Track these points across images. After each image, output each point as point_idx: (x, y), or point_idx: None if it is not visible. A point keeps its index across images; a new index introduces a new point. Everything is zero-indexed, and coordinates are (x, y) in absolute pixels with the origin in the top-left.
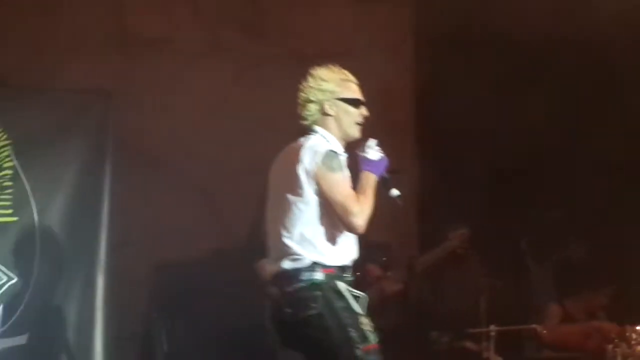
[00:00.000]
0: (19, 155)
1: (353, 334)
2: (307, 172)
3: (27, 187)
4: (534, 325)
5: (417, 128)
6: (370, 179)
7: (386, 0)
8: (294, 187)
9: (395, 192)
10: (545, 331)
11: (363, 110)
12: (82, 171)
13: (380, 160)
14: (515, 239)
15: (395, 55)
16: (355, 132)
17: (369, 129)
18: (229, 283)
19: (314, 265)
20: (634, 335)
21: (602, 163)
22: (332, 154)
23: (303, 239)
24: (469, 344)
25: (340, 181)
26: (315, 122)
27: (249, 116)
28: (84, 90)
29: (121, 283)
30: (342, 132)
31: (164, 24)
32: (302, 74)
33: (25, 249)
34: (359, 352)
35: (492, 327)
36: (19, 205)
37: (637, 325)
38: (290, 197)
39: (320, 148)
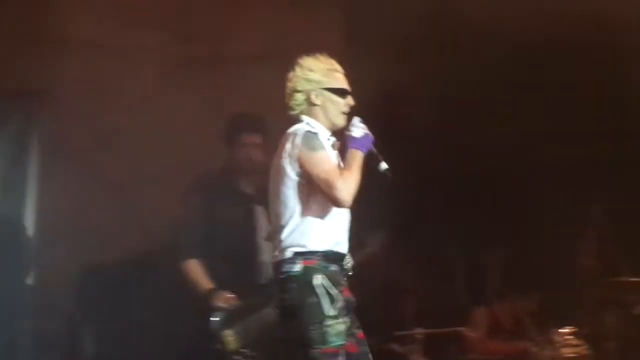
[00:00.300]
0: None
1: (313, 333)
2: (291, 158)
3: None
4: (460, 328)
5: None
6: (356, 156)
7: (318, 3)
8: (281, 178)
9: (384, 165)
10: (471, 334)
11: (349, 100)
12: (6, 172)
13: (365, 137)
14: (443, 242)
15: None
16: (341, 121)
17: None
18: (152, 283)
19: (295, 257)
20: (558, 338)
21: (533, 164)
22: (310, 134)
23: (290, 231)
24: (395, 347)
25: (321, 158)
26: (303, 112)
27: (173, 117)
28: (8, 91)
29: (45, 283)
30: (329, 121)
31: (88, 23)
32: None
33: None
34: (315, 354)
35: (419, 330)
36: None
37: (561, 328)
38: (279, 188)
39: (299, 132)
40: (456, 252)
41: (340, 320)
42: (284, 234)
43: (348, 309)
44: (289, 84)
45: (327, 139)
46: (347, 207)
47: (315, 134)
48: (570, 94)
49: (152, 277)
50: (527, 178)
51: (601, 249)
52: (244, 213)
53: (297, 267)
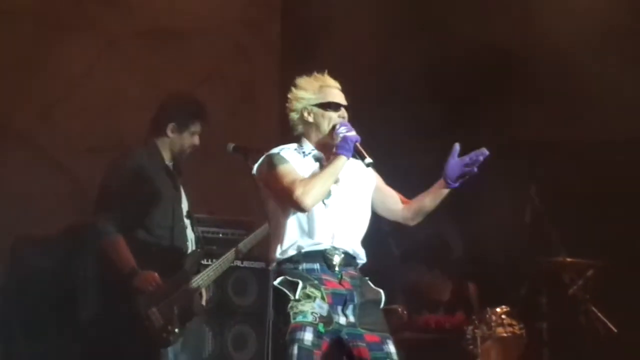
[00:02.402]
0: None
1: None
2: (261, 184)
3: None
4: (395, 306)
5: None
6: (336, 161)
7: None
8: (263, 203)
9: (367, 161)
10: (406, 312)
11: (342, 113)
12: None
13: (344, 140)
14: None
15: (261, 32)
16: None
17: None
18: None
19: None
20: (493, 317)
21: None
22: (269, 156)
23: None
24: None
25: (280, 173)
26: (301, 132)
27: (111, 91)
28: None
29: None
30: (322, 136)
31: None
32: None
33: None
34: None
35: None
36: None
37: (496, 307)
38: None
39: (262, 159)
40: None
41: (303, 302)
42: (268, 253)
43: (338, 301)
44: (287, 106)
45: (305, 154)
46: (307, 210)
47: (275, 153)
48: None
49: (83, 252)
50: None
51: (537, 228)
52: (172, 191)
53: (274, 279)
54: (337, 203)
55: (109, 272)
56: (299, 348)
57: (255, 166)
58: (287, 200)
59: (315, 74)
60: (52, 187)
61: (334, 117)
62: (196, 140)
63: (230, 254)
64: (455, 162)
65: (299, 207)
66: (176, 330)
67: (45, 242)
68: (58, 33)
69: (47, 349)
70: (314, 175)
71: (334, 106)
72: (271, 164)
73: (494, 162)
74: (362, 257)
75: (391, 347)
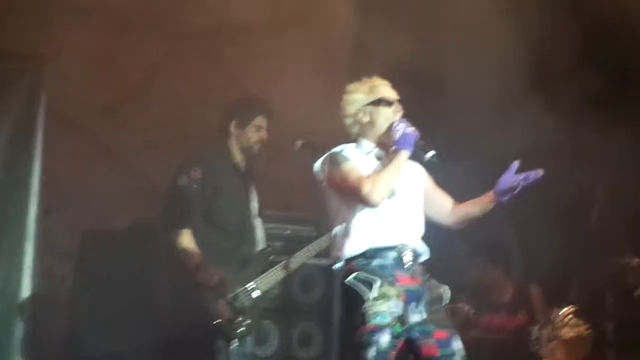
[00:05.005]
0: None
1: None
2: (325, 184)
3: None
4: (461, 304)
5: None
6: (398, 156)
7: None
8: (327, 202)
9: (430, 154)
10: (472, 311)
11: (397, 107)
12: (12, 137)
13: (405, 136)
14: None
15: (335, 24)
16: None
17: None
18: (153, 251)
19: (340, 268)
20: (559, 318)
21: None
22: (331, 155)
23: (335, 246)
24: None
25: (346, 170)
26: (359, 134)
27: (179, 88)
28: (16, 56)
29: (49, 250)
30: (380, 133)
31: None
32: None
33: None
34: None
35: None
36: None
37: (562, 307)
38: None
39: (324, 157)
40: None
41: (381, 301)
42: (332, 251)
43: (412, 298)
44: (341, 113)
45: (367, 152)
46: (376, 206)
47: (338, 151)
48: None
49: (153, 245)
50: None
51: (604, 229)
52: (242, 189)
53: (345, 276)
54: (401, 199)
55: (178, 266)
56: (378, 352)
57: (318, 164)
58: (354, 197)
59: (364, 78)
60: (118, 183)
61: (388, 112)
62: (263, 134)
63: (296, 260)
64: (509, 177)
65: (368, 204)
66: (244, 323)
67: (113, 237)
68: (124, 30)
69: (117, 343)
70: (378, 172)
71: (386, 102)
72: (335, 162)
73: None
74: (426, 254)
75: (458, 344)
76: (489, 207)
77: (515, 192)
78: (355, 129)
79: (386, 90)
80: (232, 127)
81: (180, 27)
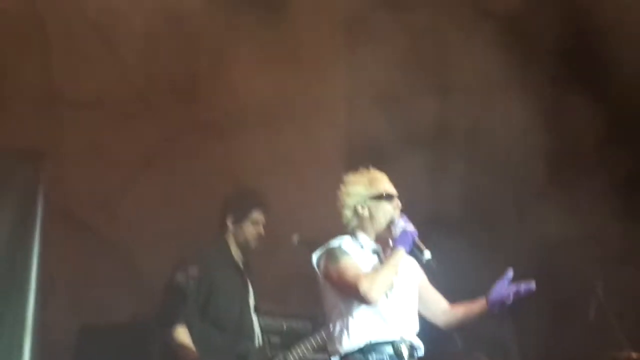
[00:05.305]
0: None
1: None
2: (321, 277)
3: None
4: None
5: None
6: (396, 254)
7: (323, 70)
8: (323, 297)
9: (427, 255)
10: None
11: (396, 203)
12: (11, 232)
13: (404, 234)
14: None
15: (334, 119)
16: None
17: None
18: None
19: None
20: None
21: None
22: (330, 250)
23: (330, 340)
24: None
25: (343, 266)
26: (355, 227)
27: (176, 180)
28: (15, 150)
29: (46, 345)
30: (379, 229)
31: (93, 85)
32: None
33: None
34: None
35: None
36: None
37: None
38: (323, 306)
39: (322, 253)
40: None
41: None
42: (329, 346)
43: None
44: (338, 204)
45: (364, 247)
46: (374, 304)
47: (336, 246)
48: None
49: (150, 341)
50: None
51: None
52: (240, 285)
53: None
54: (398, 294)
55: None
56: None
57: (315, 258)
58: (352, 293)
59: (362, 170)
60: (117, 278)
61: (388, 207)
62: (260, 230)
63: (294, 356)
64: (502, 288)
65: (366, 302)
66: None
67: (111, 332)
68: (123, 122)
69: None
70: (376, 269)
71: (387, 197)
72: (333, 257)
73: None
74: (422, 348)
75: None
76: (479, 314)
77: (507, 304)
78: (353, 222)
79: (386, 184)
80: (229, 222)
81: (178, 120)
